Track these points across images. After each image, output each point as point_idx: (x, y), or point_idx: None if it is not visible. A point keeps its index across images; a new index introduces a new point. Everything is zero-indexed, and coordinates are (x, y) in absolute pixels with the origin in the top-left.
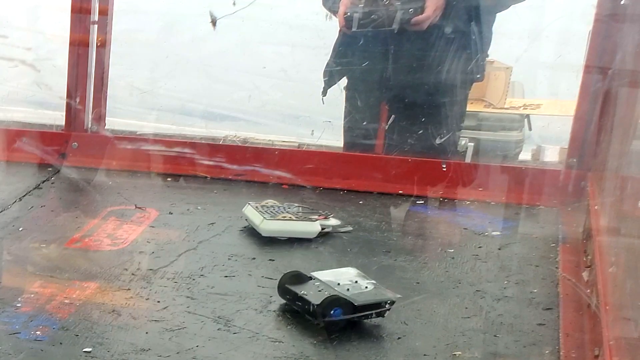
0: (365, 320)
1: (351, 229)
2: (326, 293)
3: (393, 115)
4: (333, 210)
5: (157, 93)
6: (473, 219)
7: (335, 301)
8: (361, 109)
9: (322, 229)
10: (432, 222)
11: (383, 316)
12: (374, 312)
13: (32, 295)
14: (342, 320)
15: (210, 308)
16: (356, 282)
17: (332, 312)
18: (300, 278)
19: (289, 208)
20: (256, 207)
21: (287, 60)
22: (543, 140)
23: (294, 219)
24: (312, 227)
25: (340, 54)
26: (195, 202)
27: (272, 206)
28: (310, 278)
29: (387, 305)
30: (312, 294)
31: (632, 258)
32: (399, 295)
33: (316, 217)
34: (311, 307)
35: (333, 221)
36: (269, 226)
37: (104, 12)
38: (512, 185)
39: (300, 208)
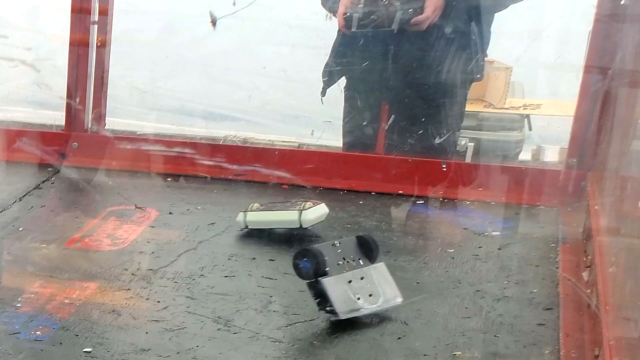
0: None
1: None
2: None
3: (393, 115)
4: (333, 211)
5: (157, 93)
6: (473, 219)
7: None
8: (361, 109)
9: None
10: (432, 222)
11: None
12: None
13: (32, 295)
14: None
15: (210, 308)
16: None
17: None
18: None
19: (282, 202)
20: (266, 206)
21: (287, 60)
22: (543, 140)
23: (312, 205)
24: (324, 209)
25: (340, 54)
26: (195, 202)
27: (272, 203)
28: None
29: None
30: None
31: (632, 258)
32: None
33: (312, 202)
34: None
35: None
36: (309, 216)
37: (104, 12)
38: (512, 185)
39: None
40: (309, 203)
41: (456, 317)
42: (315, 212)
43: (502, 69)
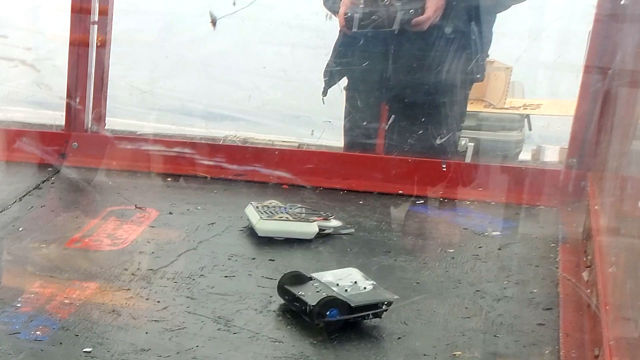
0: (364, 321)
1: (353, 230)
2: (323, 294)
3: (393, 115)
4: (333, 211)
5: (157, 93)
6: (473, 219)
7: (332, 302)
8: (361, 109)
9: (322, 230)
10: (432, 222)
11: (380, 317)
12: (370, 312)
13: (32, 295)
14: (339, 321)
15: (210, 308)
16: (355, 282)
17: (328, 312)
18: (299, 278)
19: (291, 209)
20: (257, 207)
21: (287, 60)
22: (543, 140)
23: (291, 219)
24: (309, 228)
25: (341, 54)
26: (195, 202)
27: (273, 206)
28: (310, 279)
29: (384, 306)
30: (310, 295)
31: (632, 258)
32: (397, 297)
33: (315, 218)
34: (307, 307)
35: (334, 222)
36: (265, 226)
37: (104, 12)
38: (512, 185)
39: (303, 209)
40: (295, 215)
41: (456, 317)
42: (274, 225)
43: (502, 69)
